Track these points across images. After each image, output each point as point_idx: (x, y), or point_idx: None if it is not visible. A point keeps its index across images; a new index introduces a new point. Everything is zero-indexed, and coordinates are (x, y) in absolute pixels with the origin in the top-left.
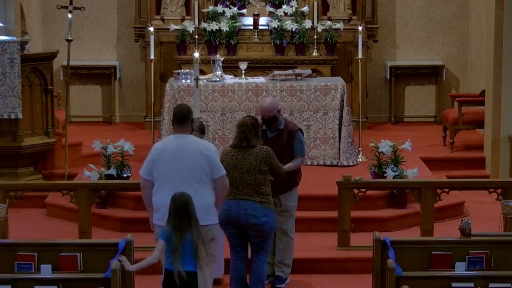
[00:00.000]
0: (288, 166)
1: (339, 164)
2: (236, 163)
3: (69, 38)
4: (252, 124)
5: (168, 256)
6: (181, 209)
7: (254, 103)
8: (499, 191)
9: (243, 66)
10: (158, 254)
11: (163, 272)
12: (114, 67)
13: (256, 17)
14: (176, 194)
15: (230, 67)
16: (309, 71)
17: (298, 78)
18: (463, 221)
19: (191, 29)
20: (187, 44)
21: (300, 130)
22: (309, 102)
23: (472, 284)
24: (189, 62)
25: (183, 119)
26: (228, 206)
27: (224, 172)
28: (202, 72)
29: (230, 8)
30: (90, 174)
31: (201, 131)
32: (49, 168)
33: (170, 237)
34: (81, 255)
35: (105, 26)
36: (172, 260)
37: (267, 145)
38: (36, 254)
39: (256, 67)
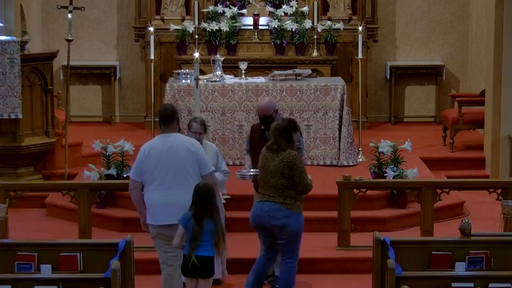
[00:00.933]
0: None
1: (339, 164)
2: (264, 164)
3: (69, 38)
4: (285, 127)
5: (187, 242)
6: (203, 199)
7: (254, 103)
8: (499, 191)
9: (243, 66)
10: (177, 240)
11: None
12: (114, 67)
13: (256, 17)
14: (199, 183)
15: (230, 67)
16: (309, 71)
17: (298, 78)
18: (463, 221)
19: (191, 29)
20: (187, 44)
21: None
22: (309, 102)
23: (472, 284)
24: (189, 62)
25: (168, 119)
26: (255, 208)
27: (212, 169)
28: (202, 72)
29: (230, 8)
30: (90, 174)
31: (203, 125)
32: (49, 168)
33: (190, 224)
34: (81, 255)
35: (105, 26)
36: (190, 247)
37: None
38: (36, 254)
39: (256, 67)
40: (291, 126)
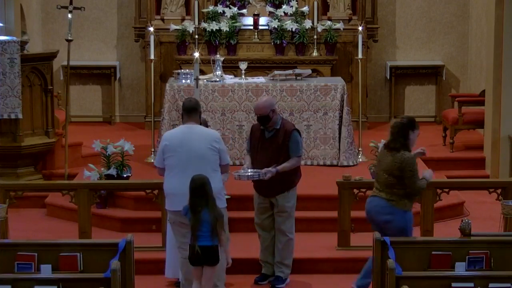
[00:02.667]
0: (282, 166)
1: (339, 164)
2: (380, 159)
3: (69, 38)
4: (403, 125)
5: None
6: (198, 190)
7: (254, 103)
8: (499, 191)
9: (243, 66)
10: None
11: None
12: (114, 67)
13: (256, 17)
14: (194, 176)
15: (230, 67)
16: (309, 71)
17: (298, 78)
18: (463, 221)
19: (191, 29)
20: (187, 44)
21: (297, 130)
22: (309, 102)
23: (472, 284)
24: (189, 62)
25: (190, 110)
26: (367, 202)
27: (229, 160)
28: (202, 72)
29: (230, 8)
30: (90, 174)
31: (205, 125)
32: (49, 168)
33: (188, 215)
34: (81, 255)
35: (105, 26)
36: (192, 236)
37: (265, 144)
38: (36, 254)
39: (256, 67)
40: (409, 124)
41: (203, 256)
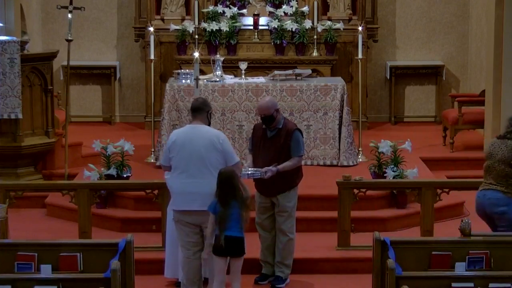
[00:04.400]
0: (283, 165)
1: (339, 164)
2: (491, 152)
3: (69, 38)
4: None
5: (217, 224)
6: (226, 182)
7: (254, 103)
8: None
9: (243, 66)
10: (211, 227)
11: (211, 243)
12: (114, 67)
13: (256, 17)
14: (221, 169)
15: (230, 67)
16: (309, 71)
17: (298, 78)
18: (463, 221)
19: (191, 29)
20: (187, 44)
21: (298, 129)
22: (309, 102)
23: (472, 284)
24: (189, 62)
25: (196, 109)
26: (477, 196)
27: (237, 159)
28: (202, 72)
29: (230, 8)
30: (90, 174)
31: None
32: (49, 168)
33: (217, 209)
34: (81, 255)
35: (105, 26)
36: (220, 227)
37: (267, 144)
38: (36, 254)
39: (256, 67)
40: None
41: (230, 247)
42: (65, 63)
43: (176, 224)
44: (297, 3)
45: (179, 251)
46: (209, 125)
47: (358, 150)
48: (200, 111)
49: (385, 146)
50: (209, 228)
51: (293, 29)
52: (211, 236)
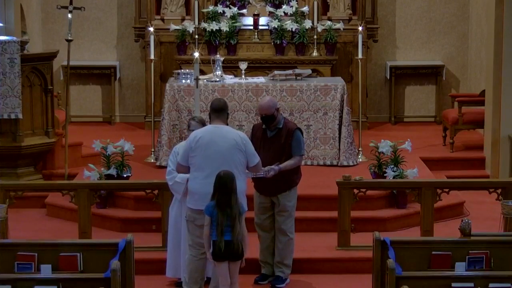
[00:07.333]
0: (284, 165)
1: (339, 164)
2: None
3: (69, 38)
4: None
5: (214, 229)
6: (226, 186)
7: (254, 103)
8: (499, 191)
9: (243, 66)
10: (207, 229)
11: (211, 244)
12: (114, 67)
13: (256, 17)
14: (220, 172)
15: (230, 67)
16: (309, 71)
17: (298, 78)
18: (463, 221)
19: (191, 29)
20: (187, 44)
21: (299, 129)
22: (309, 102)
23: (472, 284)
24: (189, 62)
25: (219, 110)
26: None
27: (258, 159)
28: (202, 72)
29: (230, 8)
30: (90, 174)
31: (201, 123)
32: (49, 168)
33: (215, 212)
34: (81, 255)
35: (105, 26)
36: (217, 232)
37: (267, 144)
38: (36, 254)
39: (256, 67)
40: None
41: (230, 251)
42: (65, 63)
43: (189, 223)
44: (297, 3)
45: (184, 250)
46: (227, 125)
47: (358, 150)
48: (223, 112)
49: (385, 146)
50: (206, 229)
51: (293, 29)
52: (208, 239)
